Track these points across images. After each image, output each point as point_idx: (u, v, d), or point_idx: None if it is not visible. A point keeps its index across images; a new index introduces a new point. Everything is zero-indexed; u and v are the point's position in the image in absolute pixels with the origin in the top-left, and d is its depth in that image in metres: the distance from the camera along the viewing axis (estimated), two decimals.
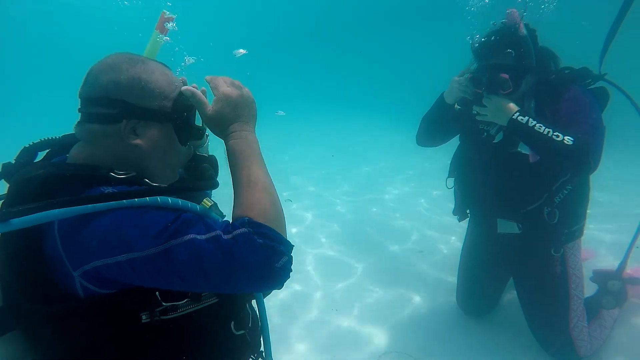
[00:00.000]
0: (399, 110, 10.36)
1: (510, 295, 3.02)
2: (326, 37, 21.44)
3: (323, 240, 4.38)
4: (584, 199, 2.33)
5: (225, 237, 0.96)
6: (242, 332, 1.20)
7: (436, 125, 2.64)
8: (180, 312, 1.02)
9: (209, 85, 1.17)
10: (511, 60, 2.15)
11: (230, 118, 1.13)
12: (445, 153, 2.90)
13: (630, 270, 2.74)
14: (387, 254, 4.02)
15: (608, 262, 3.42)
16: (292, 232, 4.55)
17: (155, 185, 1.06)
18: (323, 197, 5.77)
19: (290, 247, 1.03)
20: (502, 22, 2.25)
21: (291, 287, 3.45)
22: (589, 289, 2.57)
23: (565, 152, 1.97)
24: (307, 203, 5.52)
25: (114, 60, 1.09)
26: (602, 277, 2.61)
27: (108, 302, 0.96)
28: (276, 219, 1.04)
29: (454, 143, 2.75)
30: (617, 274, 2.44)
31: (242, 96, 1.15)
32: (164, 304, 0.99)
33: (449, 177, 2.71)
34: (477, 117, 2.25)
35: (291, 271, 1.01)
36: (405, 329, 2.91)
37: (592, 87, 2.27)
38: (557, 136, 1.99)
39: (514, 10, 2.20)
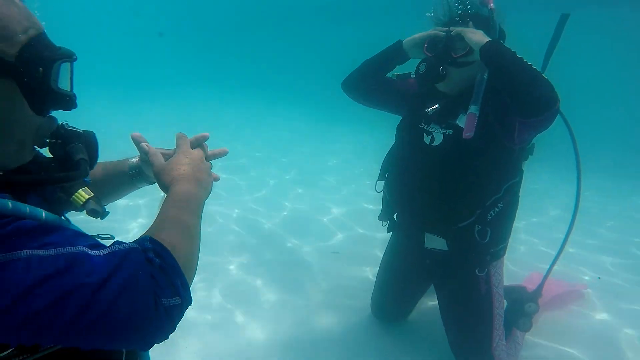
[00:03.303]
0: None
1: (423, 304, 2.94)
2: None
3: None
4: (512, 217, 2.25)
5: (93, 252, 0.71)
6: None
7: (378, 74, 2.30)
8: None
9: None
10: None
11: (183, 172, 1.06)
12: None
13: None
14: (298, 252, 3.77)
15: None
16: None
17: None
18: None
19: (188, 296, 0.82)
20: None
21: None
22: None
23: (545, 85, 1.79)
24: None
25: None
26: (511, 294, 2.60)
27: None
28: (188, 261, 0.86)
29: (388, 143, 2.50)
30: (534, 296, 2.42)
31: (203, 161, 1.13)
32: None
33: (379, 179, 2.48)
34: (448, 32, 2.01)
35: (177, 323, 0.79)
36: (307, 331, 2.73)
37: None
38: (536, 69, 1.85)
39: None
